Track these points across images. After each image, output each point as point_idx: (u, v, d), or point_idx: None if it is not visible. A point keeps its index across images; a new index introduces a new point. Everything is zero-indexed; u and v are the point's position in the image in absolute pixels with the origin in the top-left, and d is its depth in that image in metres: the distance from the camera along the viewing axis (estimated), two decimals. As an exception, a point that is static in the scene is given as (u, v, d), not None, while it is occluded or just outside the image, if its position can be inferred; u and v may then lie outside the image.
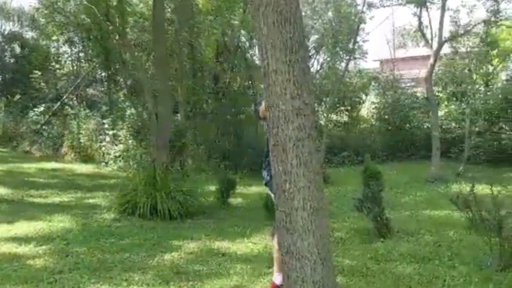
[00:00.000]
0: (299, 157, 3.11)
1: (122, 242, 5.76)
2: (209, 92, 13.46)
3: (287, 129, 3.10)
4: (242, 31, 13.81)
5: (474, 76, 13.25)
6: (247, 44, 14.57)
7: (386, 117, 15.25)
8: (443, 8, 10.69)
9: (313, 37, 16.25)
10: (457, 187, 9.65)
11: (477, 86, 13.59)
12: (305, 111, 3.11)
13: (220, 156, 11.97)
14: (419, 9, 11.14)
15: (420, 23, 11.21)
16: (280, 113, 3.10)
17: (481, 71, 13.38)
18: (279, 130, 3.13)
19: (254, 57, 14.05)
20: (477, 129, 12.90)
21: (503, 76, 14.39)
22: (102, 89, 17.30)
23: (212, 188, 8.55)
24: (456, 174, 11.18)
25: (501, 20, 11.51)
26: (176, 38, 12.09)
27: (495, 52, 12.97)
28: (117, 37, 10.52)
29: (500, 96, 13.44)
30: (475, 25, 11.87)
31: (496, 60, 13.55)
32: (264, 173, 4.09)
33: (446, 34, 11.58)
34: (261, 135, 12.63)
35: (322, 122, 13.22)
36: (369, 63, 21.15)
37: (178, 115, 12.31)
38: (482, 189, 5.42)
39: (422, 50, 27.33)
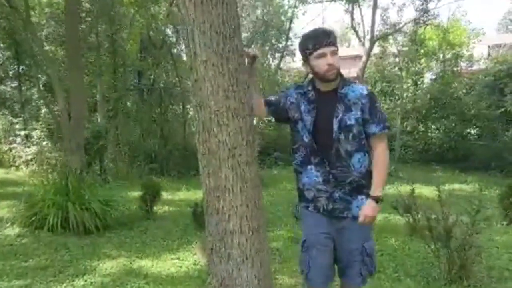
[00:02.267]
0: (235, 169, 2.52)
1: (25, 265, 4.88)
2: (132, 90, 12.52)
3: (220, 134, 2.50)
4: (169, 25, 13.00)
5: (404, 75, 13.35)
6: (174, 38, 13.75)
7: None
8: (375, 6, 10.55)
9: (243, 35, 15.75)
10: (389, 186, 9.53)
11: (406, 86, 13.71)
12: (242, 112, 2.53)
13: (145, 158, 11.11)
14: (351, 6, 10.93)
15: (353, 19, 11.03)
16: (211, 115, 2.50)
17: (411, 70, 13.51)
18: (210, 135, 2.52)
19: (182, 53, 13.29)
20: (408, 128, 12.99)
21: (428, 75, 14.65)
22: (15, 85, 15.72)
23: (136, 194, 7.75)
24: (388, 173, 11.10)
25: (429, 19, 11.60)
26: (96, 30, 11.07)
27: (422, 51, 13.12)
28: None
29: (428, 95, 13.65)
30: (405, 24, 11.90)
31: (423, 59, 13.74)
32: None
33: (378, 32, 11.50)
34: (190, 135, 11.92)
35: (254, 122, 12.72)
36: (297, 63, 20.93)
37: (97, 114, 11.30)
38: (412, 189, 5.06)
39: (351, 50, 27.82)
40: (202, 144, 2.56)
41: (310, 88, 2.80)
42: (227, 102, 2.48)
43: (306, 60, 2.73)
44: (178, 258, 5.13)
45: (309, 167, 2.77)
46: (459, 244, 4.18)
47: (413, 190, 5.06)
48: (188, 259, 5.08)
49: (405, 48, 12.96)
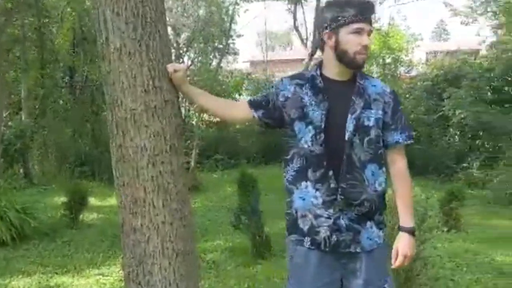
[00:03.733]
0: (157, 179, 2.10)
1: None
2: (62, 87, 11.69)
3: (137, 137, 2.08)
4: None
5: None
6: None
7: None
8: (318, 7, 10.40)
9: (184, 35, 15.26)
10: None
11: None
12: (165, 111, 2.11)
13: (75, 161, 10.35)
14: (293, 6, 10.74)
15: (295, 20, 10.85)
16: (127, 114, 2.07)
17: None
18: (125, 139, 2.09)
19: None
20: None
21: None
22: None
23: (63, 200, 7.09)
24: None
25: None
26: (21, 22, 10.21)
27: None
28: None
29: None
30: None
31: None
32: None
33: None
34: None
35: (193, 123, 12.24)
36: (240, 64, 20.63)
37: (22, 112, 10.41)
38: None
39: (292, 54, 27.91)
40: (116, 149, 2.13)
41: (318, 73, 2.09)
42: (146, 98, 2.06)
43: (333, 31, 1.99)
44: (103, 274, 4.62)
45: (304, 184, 2.04)
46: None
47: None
48: (113, 275, 4.58)
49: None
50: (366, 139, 2.02)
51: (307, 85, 2.08)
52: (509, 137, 10.21)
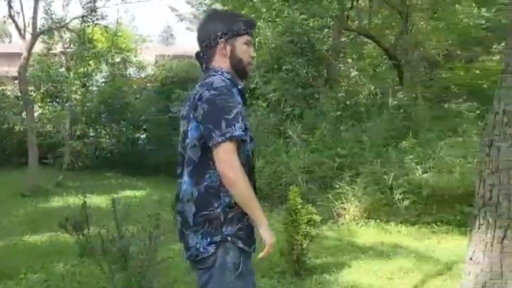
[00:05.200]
0: None
1: None
2: None
3: None
4: None
5: (72, 76, 12.47)
6: None
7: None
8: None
9: None
10: (59, 199, 8.62)
11: (74, 88, 12.84)
12: None
13: None
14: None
15: (10, 7, 9.51)
16: None
17: (80, 70, 12.72)
18: None
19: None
20: (78, 133, 12.16)
21: (99, 78, 14.15)
22: None
23: None
24: (56, 184, 10.08)
25: (97, 19, 11.15)
26: None
27: (91, 52, 12.55)
28: None
29: (97, 99, 13.18)
30: (71, 20, 11.09)
31: (92, 61, 13.17)
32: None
33: (41, 27, 10.31)
34: None
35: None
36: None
37: None
38: (84, 201, 4.48)
39: (12, 47, 24.88)
40: None
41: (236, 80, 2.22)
42: None
43: (229, 40, 2.14)
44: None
45: None
46: (137, 264, 3.75)
47: (84, 203, 4.47)
48: None
49: (73, 47, 12.17)
50: None
51: (239, 91, 2.19)
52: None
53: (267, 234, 2.06)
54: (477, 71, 10.03)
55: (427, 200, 6.67)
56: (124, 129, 13.25)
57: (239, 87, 2.18)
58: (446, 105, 9.67)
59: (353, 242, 5.81)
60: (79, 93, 12.94)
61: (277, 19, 10.81)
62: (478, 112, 8.76)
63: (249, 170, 2.15)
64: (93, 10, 10.68)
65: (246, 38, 2.18)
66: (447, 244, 5.73)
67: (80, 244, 4.65)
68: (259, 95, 10.48)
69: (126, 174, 11.66)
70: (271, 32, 10.43)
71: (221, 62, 2.17)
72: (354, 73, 12.50)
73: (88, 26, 11.73)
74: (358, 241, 5.85)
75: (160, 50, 24.59)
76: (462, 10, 11.52)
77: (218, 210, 2.06)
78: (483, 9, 11.18)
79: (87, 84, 13.28)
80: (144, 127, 13.38)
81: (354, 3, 11.33)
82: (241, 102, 2.14)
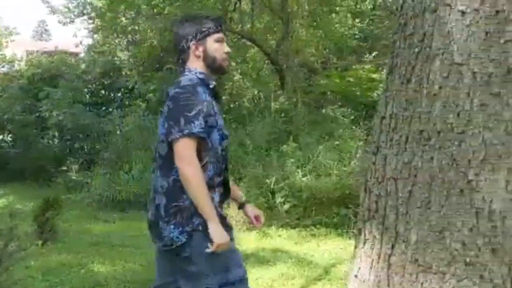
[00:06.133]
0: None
1: None
2: None
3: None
4: None
5: None
6: None
7: None
8: None
9: None
10: None
11: None
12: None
13: None
14: None
15: None
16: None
17: None
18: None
19: None
20: None
21: None
22: None
23: None
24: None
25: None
26: None
27: None
28: None
29: None
30: None
31: None
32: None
33: None
34: None
35: None
36: None
37: None
38: None
39: None
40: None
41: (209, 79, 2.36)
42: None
43: (200, 41, 2.31)
44: None
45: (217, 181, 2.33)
46: None
47: None
48: None
49: None
50: None
51: (210, 90, 2.33)
52: (104, 139, 10.43)
53: (215, 232, 2.13)
54: (351, 79, 10.46)
55: (306, 203, 6.72)
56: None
57: (211, 86, 2.30)
58: (323, 110, 9.95)
59: (234, 250, 5.61)
60: None
61: (157, 17, 10.37)
62: (352, 117, 9.14)
63: (223, 168, 2.32)
64: None
65: (216, 36, 2.33)
66: (325, 247, 5.78)
67: None
68: (138, 94, 9.95)
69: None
70: (151, 29, 9.95)
71: (195, 63, 2.34)
72: (237, 76, 12.42)
73: None
74: (239, 249, 5.66)
75: (33, 46, 22.58)
76: (339, 19, 12.02)
77: (187, 201, 2.18)
78: (357, 20, 11.78)
79: None
80: (8, 127, 12.03)
81: (237, 5, 11.23)
82: (208, 100, 2.25)
